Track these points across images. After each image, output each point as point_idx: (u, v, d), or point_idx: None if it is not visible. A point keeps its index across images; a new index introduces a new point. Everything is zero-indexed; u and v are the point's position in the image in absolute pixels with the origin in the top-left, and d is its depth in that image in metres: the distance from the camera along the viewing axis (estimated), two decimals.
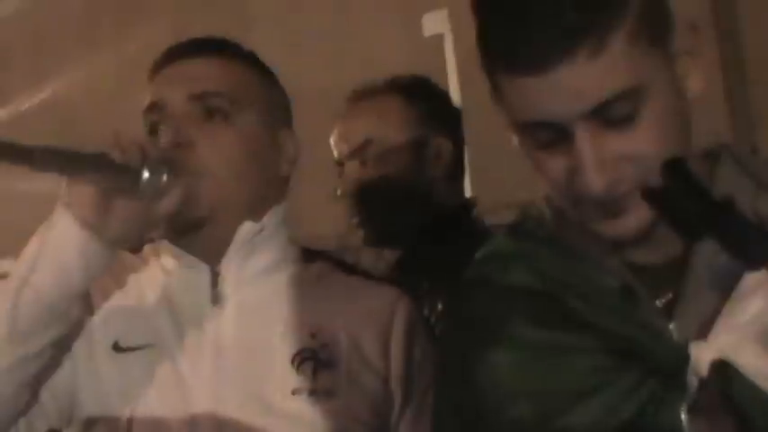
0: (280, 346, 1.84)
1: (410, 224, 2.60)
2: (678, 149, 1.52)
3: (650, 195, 1.59)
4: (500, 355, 1.66)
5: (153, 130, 1.90)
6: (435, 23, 5.71)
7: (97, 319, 1.88)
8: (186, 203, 1.80)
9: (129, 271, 1.94)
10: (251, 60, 1.99)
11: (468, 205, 2.73)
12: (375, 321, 1.89)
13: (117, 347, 1.87)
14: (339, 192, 2.65)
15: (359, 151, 2.65)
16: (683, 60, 1.52)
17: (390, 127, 2.65)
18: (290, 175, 1.97)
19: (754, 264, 1.44)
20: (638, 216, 1.53)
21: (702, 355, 1.50)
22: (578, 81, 1.46)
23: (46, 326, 1.70)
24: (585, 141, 1.48)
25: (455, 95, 5.52)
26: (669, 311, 1.57)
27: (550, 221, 1.68)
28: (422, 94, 2.75)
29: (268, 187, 1.93)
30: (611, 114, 1.47)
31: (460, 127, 2.79)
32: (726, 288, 1.51)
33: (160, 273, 1.91)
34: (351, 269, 2.01)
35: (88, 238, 1.70)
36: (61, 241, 1.71)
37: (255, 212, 1.90)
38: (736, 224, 1.46)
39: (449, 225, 2.61)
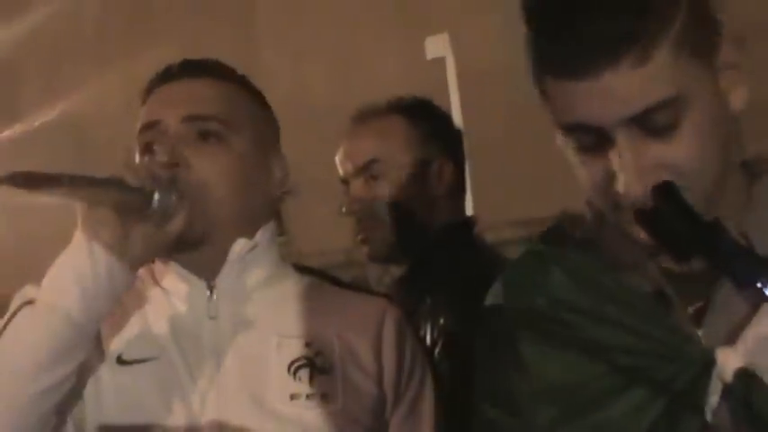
0: (276, 355, 1.86)
1: (413, 242, 2.62)
2: (718, 160, 1.52)
3: (641, 217, 1.58)
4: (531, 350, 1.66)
5: (147, 150, 1.91)
6: (437, 47, 5.75)
7: (101, 334, 1.89)
8: (189, 222, 1.82)
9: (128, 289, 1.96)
10: (243, 84, 1.98)
11: (469, 223, 2.75)
12: (366, 328, 1.91)
13: (121, 361, 1.88)
14: (344, 209, 2.67)
15: (363, 170, 2.67)
16: (728, 74, 1.52)
17: (394, 147, 2.68)
18: (278, 194, 2.00)
19: (743, 284, 1.44)
20: None
21: (728, 362, 1.49)
22: (622, 88, 1.45)
23: (75, 350, 1.71)
24: (625, 147, 1.48)
25: (456, 116, 5.56)
26: (699, 318, 1.56)
27: (590, 224, 1.68)
28: (424, 115, 2.77)
29: (259, 207, 1.95)
30: (653, 123, 1.46)
31: (461, 147, 2.81)
32: (756, 299, 1.49)
33: (158, 289, 1.93)
34: (340, 283, 2.03)
35: (114, 261, 1.71)
36: (87, 266, 1.70)
37: (248, 230, 1.91)
38: (724, 245, 1.45)
39: (451, 243, 2.63)
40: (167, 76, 1.97)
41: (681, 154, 1.48)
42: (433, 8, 6.10)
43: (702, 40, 1.49)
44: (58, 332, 1.68)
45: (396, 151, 2.66)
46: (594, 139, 1.51)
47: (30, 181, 1.63)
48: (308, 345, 1.87)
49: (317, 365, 1.85)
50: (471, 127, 5.42)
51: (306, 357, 1.86)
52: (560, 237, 1.72)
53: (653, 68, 1.45)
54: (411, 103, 2.75)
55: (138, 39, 7.51)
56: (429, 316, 2.39)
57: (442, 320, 2.42)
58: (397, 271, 2.65)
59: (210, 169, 1.86)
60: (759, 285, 1.43)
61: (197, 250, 1.87)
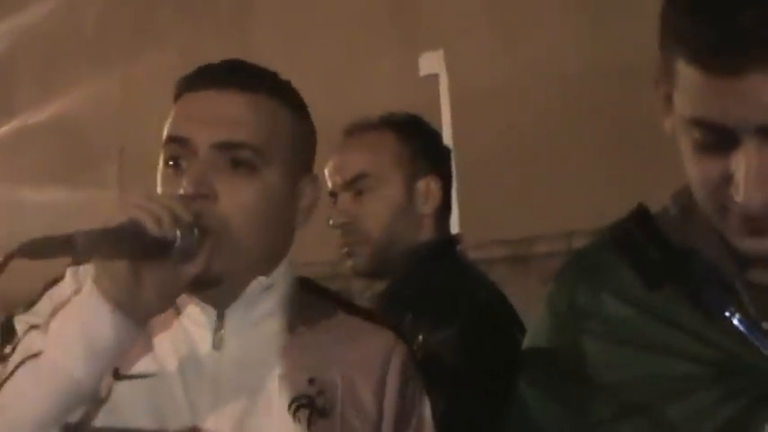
0: (277, 390, 1.81)
1: (397, 257, 2.61)
2: None
3: (616, 242, 1.55)
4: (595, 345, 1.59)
5: (174, 164, 1.80)
6: (431, 63, 5.75)
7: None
8: (210, 263, 1.75)
9: None
10: (285, 97, 1.82)
11: (453, 241, 2.74)
12: (371, 368, 1.84)
13: (117, 375, 1.83)
14: (331, 222, 2.66)
15: (352, 183, 2.66)
16: None
17: (383, 162, 2.67)
18: (304, 223, 1.90)
19: (714, 312, 1.41)
20: None
21: None
22: (767, 94, 1.34)
23: (76, 407, 1.68)
24: (753, 154, 1.36)
25: (447, 133, 5.56)
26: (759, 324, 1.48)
27: (673, 218, 1.60)
28: (415, 132, 2.76)
29: (282, 241, 1.86)
30: None
31: (449, 166, 2.80)
32: None
33: (172, 312, 1.86)
34: (351, 308, 1.96)
35: (121, 318, 1.62)
36: (94, 325, 1.63)
37: (267, 265, 1.84)
38: (696, 274, 1.42)
39: (434, 260, 2.62)
40: (204, 80, 1.81)
41: None
42: (428, 25, 6.11)
43: None
44: (61, 392, 1.63)
45: (385, 166, 2.66)
46: (717, 138, 1.39)
47: (42, 249, 1.53)
48: (310, 381, 1.80)
49: (317, 406, 1.78)
50: (461, 144, 5.42)
51: (307, 396, 1.79)
52: (633, 231, 1.60)
53: None
54: (402, 119, 2.74)
55: (136, 42, 7.50)
56: (409, 332, 2.38)
57: (421, 337, 2.41)
58: (380, 285, 2.64)
59: (236, 205, 1.73)
60: (727, 314, 1.41)
61: (210, 289, 1.79)
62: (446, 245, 2.68)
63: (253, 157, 1.75)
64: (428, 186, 2.65)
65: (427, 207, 2.64)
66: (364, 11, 6.38)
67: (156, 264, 1.63)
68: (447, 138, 5.44)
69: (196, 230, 1.64)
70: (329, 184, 2.68)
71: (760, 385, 1.46)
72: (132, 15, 7.67)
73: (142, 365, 1.79)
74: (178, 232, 1.61)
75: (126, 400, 1.77)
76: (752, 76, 1.32)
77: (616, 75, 5.02)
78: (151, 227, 1.60)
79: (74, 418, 1.67)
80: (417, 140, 2.70)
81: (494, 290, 2.61)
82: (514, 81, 5.68)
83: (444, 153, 2.79)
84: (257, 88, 1.79)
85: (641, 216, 1.56)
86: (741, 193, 1.37)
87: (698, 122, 1.39)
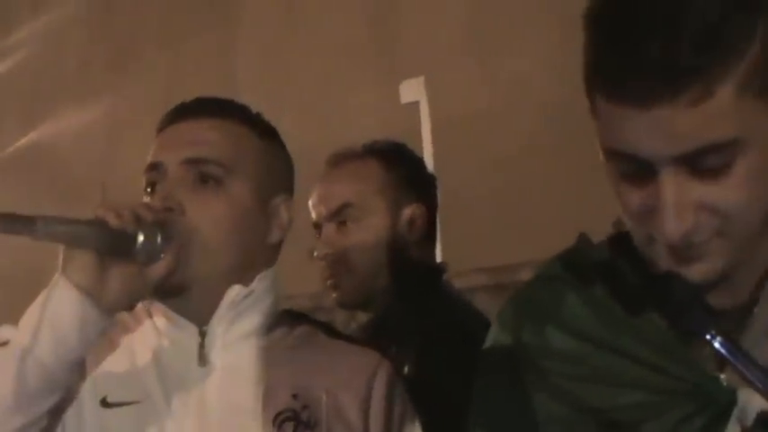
0: (262, 406, 1.81)
1: (382, 288, 2.58)
2: (764, 207, 1.41)
3: (595, 268, 1.55)
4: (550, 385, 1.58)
5: (151, 189, 1.88)
6: (412, 91, 5.75)
7: (88, 375, 1.86)
8: (176, 267, 1.78)
9: (120, 328, 1.92)
10: (252, 124, 1.92)
11: (438, 270, 2.71)
12: (356, 385, 1.85)
13: (105, 403, 1.84)
14: (316, 253, 2.63)
15: (336, 214, 2.63)
16: None
17: (367, 191, 2.64)
18: (281, 240, 1.94)
19: (694, 336, 1.41)
20: (709, 266, 1.42)
21: (751, 403, 1.43)
22: (676, 124, 1.33)
23: (46, 394, 1.67)
24: (670, 185, 1.37)
25: (428, 161, 5.55)
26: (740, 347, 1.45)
27: (615, 249, 1.59)
28: (399, 160, 2.73)
29: (256, 253, 1.89)
30: (703, 164, 1.35)
31: (434, 193, 2.78)
32: None
33: (151, 331, 1.88)
34: (333, 333, 1.98)
35: (86, 305, 1.67)
36: (60, 310, 1.65)
37: (244, 277, 1.86)
38: (676, 298, 1.42)
39: (419, 289, 2.60)
40: (176, 115, 1.93)
41: (726, 198, 1.37)
42: (408, 53, 6.10)
43: None
44: (28, 376, 1.64)
45: (369, 195, 2.63)
46: (637, 168, 1.40)
47: (4, 225, 1.58)
48: (294, 396, 1.81)
49: (302, 420, 1.79)
50: (443, 171, 5.41)
51: (292, 410, 1.80)
52: (578, 260, 1.60)
53: (713, 107, 1.33)
54: (386, 148, 2.72)
55: (119, 77, 7.49)
56: (394, 363, 2.36)
57: (406, 369, 2.38)
58: (363, 317, 2.61)
59: (204, 216, 1.81)
60: (708, 338, 1.38)
61: (182, 297, 1.82)
62: (432, 274, 2.65)
63: (218, 170, 1.83)
64: (413, 214, 2.62)
65: (412, 236, 2.61)
66: (345, 40, 6.38)
67: (120, 259, 1.69)
68: (428, 165, 5.42)
69: (159, 233, 1.71)
70: (313, 216, 2.65)
71: (712, 412, 1.46)
72: (114, 50, 7.66)
73: (128, 393, 1.83)
74: (140, 231, 1.68)
75: (115, 430, 1.79)
76: (661, 108, 1.32)
77: None
78: (112, 221, 1.67)
79: (43, 406, 1.67)
80: (401, 168, 2.67)
81: (480, 319, 2.57)
82: (495, 107, 5.68)
83: (429, 180, 2.77)
84: (225, 115, 1.90)
85: (619, 241, 1.55)
86: (661, 224, 1.38)
87: (618, 154, 1.39)
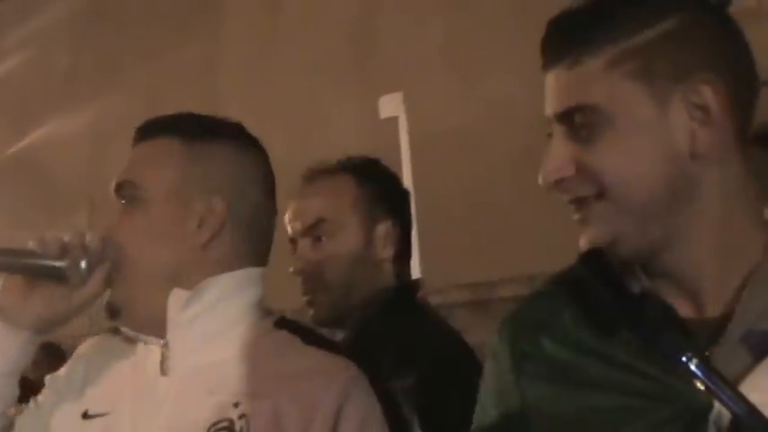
0: (204, 416, 1.80)
1: (357, 305, 2.56)
2: (653, 190, 1.50)
3: (567, 285, 1.57)
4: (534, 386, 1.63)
5: None
6: (391, 106, 5.74)
7: (74, 391, 1.91)
8: (110, 287, 1.87)
9: (107, 344, 1.97)
10: (180, 131, 1.93)
11: (413, 287, 2.69)
12: (326, 400, 1.82)
13: (85, 415, 1.89)
14: (291, 269, 2.61)
15: (310, 230, 2.61)
16: (695, 114, 1.50)
17: (341, 207, 2.61)
18: (210, 241, 1.91)
19: (667, 355, 1.41)
20: (594, 231, 1.52)
21: (726, 409, 1.42)
22: (557, 85, 1.54)
23: None
24: (554, 137, 1.53)
25: (407, 175, 5.53)
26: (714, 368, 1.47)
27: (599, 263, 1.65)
28: (373, 176, 2.70)
29: (188, 257, 1.90)
30: (574, 124, 1.51)
31: (409, 209, 2.76)
32: (762, 353, 1.46)
33: (127, 345, 1.91)
34: (312, 339, 1.93)
35: (2, 325, 1.81)
36: None
37: (183, 282, 1.88)
38: (651, 318, 1.44)
39: (395, 306, 2.57)
40: (134, 136, 2.01)
41: (597, 163, 1.49)
42: (388, 68, 6.11)
43: (661, 67, 1.50)
44: None
45: (343, 211, 2.60)
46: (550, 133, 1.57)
47: None
48: (235, 405, 1.79)
49: (234, 430, 1.78)
50: (421, 186, 5.40)
51: (228, 419, 1.79)
52: (585, 275, 1.62)
53: (580, 73, 1.51)
54: (360, 163, 2.69)
55: (105, 90, 7.48)
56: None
57: None
58: (340, 334, 2.59)
59: (126, 234, 1.88)
60: (684, 359, 1.40)
61: (127, 315, 1.87)
62: (406, 291, 2.62)
63: (132, 191, 1.91)
64: (387, 230, 2.59)
65: (386, 252, 2.58)
66: (326, 56, 6.38)
67: (48, 283, 1.82)
68: (407, 180, 5.38)
69: (85, 258, 1.83)
70: (289, 231, 2.63)
71: (690, 416, 1.47)
72: (99, 63, 7.64)
73: (103, 404, 1.87)
74: (64, 258, 1.82)
75: None
76: (551, 72, 1.54)
77: None
78: (36, 248, 1.81)
79: None
80: (376, 184, 2.64)
81: (454, 337, 2.54)
82: (473, 123, 5.68)
83: (403, 196, 2.74)
84: (157, 133, 1.96)
85: (593, 259, 1.56)
86: (540, 172, 1.53)
87: (546, 121, 1.57)
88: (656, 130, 1.50)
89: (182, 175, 1.91)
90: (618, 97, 1.50)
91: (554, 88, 1.54)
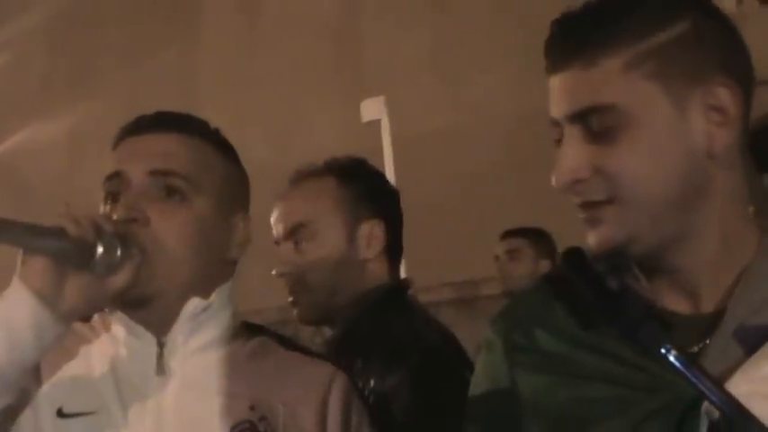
0: (219, 417, 1.78)
1: (344, 304, 2.54)
2: (668, 189, 1.51)
3: (549, 281, 1.57)
4: (524, 378, 1.64)
5: (112, 199, 1.84)
6: (373, 109, 5.73)
7: (44, 386, 1.82)
8: (136, 279, 1.74)
9: (77, 339, 1.88)
10: (214, 141, 1.89)
11: (402, 285, 2.67)
12: (312, 395, 1.82)
13: (61, 414, 1.81)
14: (274, 272, 2.59)
15: (293, 233, 2.59)
16: (710, 115, 1.51)
17: (323, 209, 2.59)
18: (238, 257, 1.92)
19: (646, 348, 1.44)
20: (605, 233, 1.51)
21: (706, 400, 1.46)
22: (571, 85, 1.52)
23: None
24: (567, 141, 1.52)
25: (390, 178, 5.53)
26: (696, 358, 1.51)
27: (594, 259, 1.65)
28: (356, 176, 2.68)
29: (215, 268, 1.87)
30: (590, 125, 1.50)
31: (397, 207, 2.72)
32: (755, 348, 1.48)
33: (108, 341, 1.85)
34: (290, 344, 1.95)
35: (41, 310, 1.63)
36: (14, 313, 1.61)
37: (203, 290, 1.83)
38: (631, 313, 1.45)
39: (383, 304, 2.55)
40: (138, 127, 1.88)
41: (614, 165, 1.49)
42: (370, 72, 6.09)
43: (678, 69, 1.51)
44: None
45: (325, 213, 2.58)
46: (558, 135, 1.55)
47: None
48: (252, 408, 1.79)
49: (259, 431, 1.77)
50: (405, 189, 5.37)
51: (249, 421, 1.77)
52: (566, 272, 1.65)
53: (598, 73, 1.50)
54: (344, 164, 2.66)
55: (82, 93, 7.46)
56: (360, 377, 2.32)
57: (372, 382, 2.34)
58: (328, 331, 2.57)
59: (168, 228, 1.78)
60: (663, 351, 1.43)
61: (144, 308, 1.78)
62: (394, 290, 2.61)
63: (184, 185, 1.80)
64: (371, 230, 2.55)
65: (370, 251, 2.55)
66: (307, 59, 6.36)
67: (79, 269, 1.65)
68: (390, 181, 5.44)
69: (119, 244, 1.67)
70: (274, 233, 2.62)
71: (682, 406, 1.48)
72: (76, 69, 7.61)
73: (84, 403, 1.78)
74: (99, 241, 1.65)
75: None
76: (561, 73, 1.53)
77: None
78: (71, 229, 1.63)
79: None
80: (359, 184, 2.61)
81: (443, 332, 2.54)
82: (455, 125, 5.67)
83: (389, 195, 2.71)
84: (187, 129, 1.87)
85: (574, 257, 1.58)
86: (554, 175, 1.52)
87: (551, 124, 1.56)
88: (675, 131, 1.51)
89: (224, 186, 1.88)
90: (637, 98, 1.50)
91: (565, 89, 1.53)
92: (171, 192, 1.79)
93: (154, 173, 1.81)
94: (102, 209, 1.81)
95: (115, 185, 1.81)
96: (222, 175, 1.87)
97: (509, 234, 4.80)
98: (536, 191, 5.32)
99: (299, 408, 1.80)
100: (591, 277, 1.54)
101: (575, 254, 1.56)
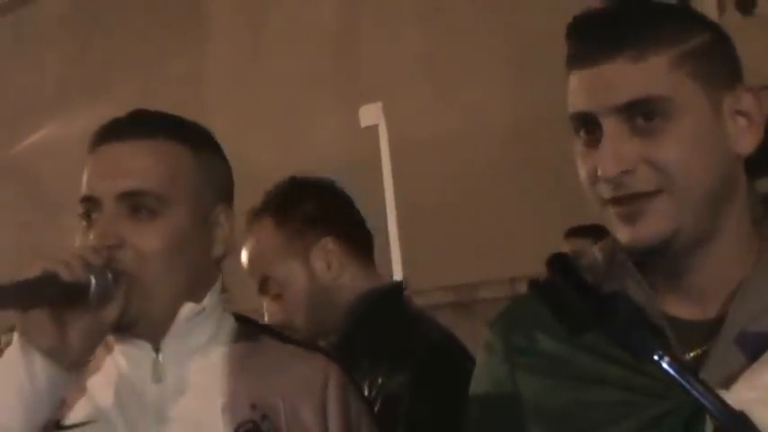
0: (221, 418, 1.75)
1: (337, 322, 2.48)
2: (708, 184, 1.50)
3: (536, 287, 1.53)
4: (528, 379, 1.61)
5: (86, 217, 1.79)
6: (371, 115, 5.71)
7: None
8: (128, 302, 1.71)
9: None
10: (187, 140, 1.81)
11: (397, 287, 2.63)
12: (310, 389, 1.80)
13: (60, 427, 1.77)
14: (266, 320, 2.52)
15: (263, 288, 2.50)
16: (737, 118, 1.52)
17: (274, 256, 2.42)
18: (225, 253, 1.87)
19: (639, 355, 1.40)
20: (654, 224, 1.48)
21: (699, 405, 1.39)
22: (615, 76, 1.48)
23: None
24: (609, 134, 1.47)
25: (388, 183, 5.52)
26: (700, 363, 1.50)
27: (599, 264, 1.60)
28: (291, 207, 2.50)
29: (202, 271, 1.82)
30: (638, 117, 1.47)
31: (345, 213, 2.60)
32: (756, 354, 1.47)
33: (103, 351, 1.81)
34: (284, 337, 1.92)
35: (53, 368, 1.60)
36: (28, 380, 1.59)
37: (193, 294, 1.78)
38: (620, 318, 1.41)
39: (383, 306, 2.51)
40: (111, 134, 1.81)
41: (664, 154, 1.46)
42: (368, 79, 6.09)
43: (711, 73, 1.51)
44: None
45: (278, 260, 2.40)
46: (590, 133, 1.50)
47: None
48: (253, 407, 1.75)
49: (263, 430, 1.75)
50: (403, 192, 5.38)
51: (252, 422, 1.74)
52: (553, 278, 1.56)
53: (647, 67, 1.48)
54: (278, 198, 2.51)
55: (95, 99, 7.44)
56: (367, 376, 2.29)
57: (380, 381, 2.31)
58: (333, 336, 2.51)
59: (145, 246, 1.72)
60: (656, 358, 1.38)
61: (139, 326, 1.73)
62: (391, 292, 2.56)
63: (154, 203, 1.74)
64: (325, 251, 2.45)
65: (333, 271, 2.46)
66: (308, 68, 6.36)
67: (77, 310, 1.61)
68: (388, 186, 5.39)
69: (109, 273, 1.63)
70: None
71: (687, 411, 1.46)
72: (90, 75, 7.61)
73: (82, 414, 1.75)
74: (92, 276, 1.61)
75: None
76: (604, 64, 1.48)
77: (547, 124, 5.04)
78: (64, 273, 1.59)
79: None
80: (296, 213, 2.44)
81: (444, 330, 2.52)
82: (451, 130, 5.66)
83: (333, 207, 2.55)
84: (154, 133, 1.79)
85: (560, 263, 1.53)
86: (600, 169, 1.46)
87: (574, 118, 1.50)
88: (714, 129, 1.50)
89: (198, 185, 1.81)
90: (685, 93, 1.49)
91: (608, 81, 1.48)
92: (139, 210, 1.74)
93: (122, 196, 1.75)
94: (79, 226, 1.77)
95: (88, 206, 1.76)
96: (195, 175, 1.80)
97: (572, 234, 4.72)
98: (532, 195, 5.34)
99: (299, 401, 1.76)
100: (578, 283, 1.49)
101: (559, 260, 1.51)
